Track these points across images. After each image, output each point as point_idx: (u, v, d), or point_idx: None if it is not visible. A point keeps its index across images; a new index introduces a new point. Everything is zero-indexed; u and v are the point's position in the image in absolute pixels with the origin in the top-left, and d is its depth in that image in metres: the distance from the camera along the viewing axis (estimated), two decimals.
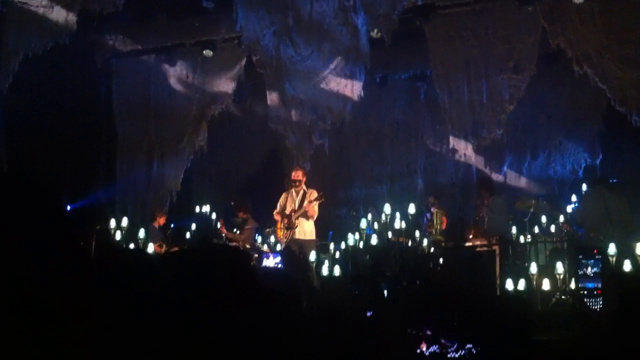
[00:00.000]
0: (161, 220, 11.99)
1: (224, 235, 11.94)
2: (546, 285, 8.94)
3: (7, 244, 1.17)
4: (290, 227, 10.05)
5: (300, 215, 10.05)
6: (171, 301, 1.38)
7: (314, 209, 10.09)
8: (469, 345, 3.02)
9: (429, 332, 3.12)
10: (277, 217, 10.37)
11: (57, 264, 1.23)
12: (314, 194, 10.23)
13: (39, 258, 1.19)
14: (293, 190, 10.36)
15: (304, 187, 10.32)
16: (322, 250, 11.24)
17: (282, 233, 10.23)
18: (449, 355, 2.99)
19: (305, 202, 10.08)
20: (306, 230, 10.08)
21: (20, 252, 1.17)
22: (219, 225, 12.01)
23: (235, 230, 12.05)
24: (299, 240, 9.98)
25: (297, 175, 10.38)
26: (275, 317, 1.45)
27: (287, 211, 10.19)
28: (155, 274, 2.24)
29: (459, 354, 3.01)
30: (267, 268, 9.34)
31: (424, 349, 3.02)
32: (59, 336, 1.16)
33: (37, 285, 1.17)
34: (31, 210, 1.25)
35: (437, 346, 3.05)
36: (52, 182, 11.72)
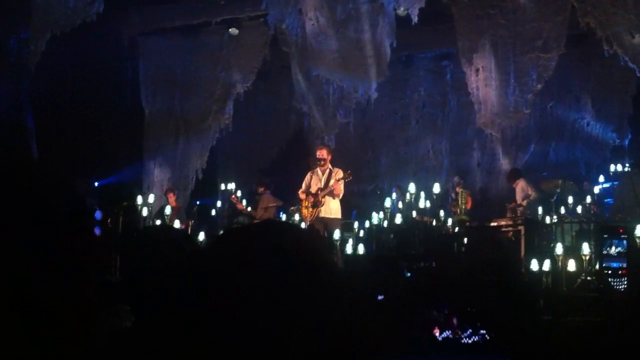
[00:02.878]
0: (172, 198, 11.90)
1: (238, 207, 11.96)
2: (572, 266, 8.84)
3: (8, 243, 1.17)
4: (317, 205, 10.04)
5: (327, 194, 10.04)
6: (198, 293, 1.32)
7: (340, 187, 10.05)
8: (482, 331, 3.01)
9: (441, 317, 3.09)
10: (302, 196, 10.34)
11: (58, 263, 1.22)
12: (339, 172, 10.20)
13: (40, 257, 1.19)
14: (318, 169, 10.32)
15: (330, 165, 10.29)
16: (346, 228, 11.24)
17: (307, 211, 10.22)
18: (462, 341, 2.97)
19: (332, 181, 10.05)
20: (332, 208, 10.06)
21: (21, 251, 1.17)
22: (233, 199, 11.98)
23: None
24: (324, 218, 9.98)
25: (322, 153, 10.32)
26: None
27: (313, 190, 10.17)
28: (182, 254, 2.24)
29: (472, 339, 3.00)
30: None
31: (437, 333, 3.00)
32: (59, 336, 1.16)
33: (37, 285, 1.17)
34: (35, 207, 1.24)
35: (449, 331, 3.03)
36: (76, 164, 11.89)
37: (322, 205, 10.01)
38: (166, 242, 2.45)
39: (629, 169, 11.19)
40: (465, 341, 3.12)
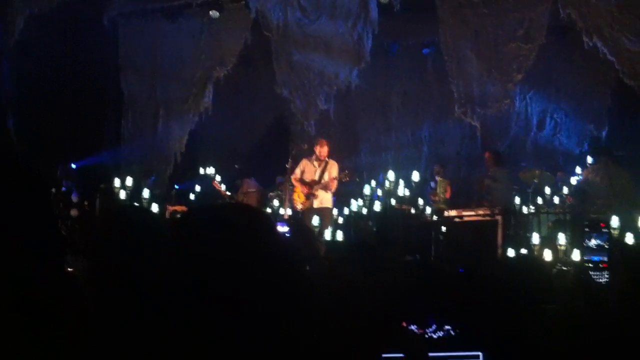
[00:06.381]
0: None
1: (221, 192, 11.96)
2: (548, 256, 8.97)
3: (6, 242, 1.14)
4: (310, 197, 10.20)
5: (320, 188, 10.19)
6: (175, 273, 1.29)
7: (336, 184, 10.29)
8: (447, 327, 3.04)
9: (410, 312, 3.12)
10: (296, 183, 10.46)
11: (56, 261, 1.20)
12: (335, 167, 10.37)
13: (38, 256, 1.17)
14: (314, 158, 10.45)
15: (326, 157, 10.47)
16: None
17: (298, 199, 10.36)
18: (426, 336, 3.00)
19: (326, 175, 10.21)
20: (323, 198, 10.26)
21: (18, 250, 1.15)
22: (215, 185, 11.99)
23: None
24: (315, 208, 10.14)
25: (323, 151, 10.44)
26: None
27: (307, 179, 10.34)
28: (160, 235, 2.19)
29: (437, 335, 3.02)
30: None
31: (404, 326, 3.03)
32: (59, 336, 1.15)
33: (37, 285, 1.15)
34: (26, 203, 1.21)
35: (416, 326, 3.05)
36: (54, 146, 11.77)
37: (315, 198, 10.17)
38: (139, 222, 2.42)
39: (593, 159, 11.23)
40: (431, 335, 3.14)
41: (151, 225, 2.32)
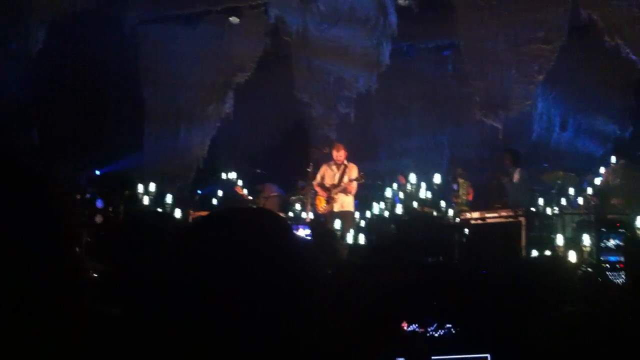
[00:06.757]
0: None
1: (243, 197, 12.04)
2: (572, 257, 8.87)
3: (6, 242, 1.15)
4: (330, 201, 10.34)
5: (340, 192, 10.29)
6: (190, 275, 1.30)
7: (354, 186, 10.41)
8: (448, 325, 3.02)
9: (411, 311, 3.10)
10: (317, 188, 10.59)
11: (56, 261, 1.21)
12: (354, 170, 10.47)
13: (38, 256, 1.18)
14: (333, 163, 10.56)
15: (345, 160, 10.55)
16: None
17: (320, 204, 10.48)
18: (428, 335, 2.99)
19: (346, 178, 10.27)
20: (344, 201, 10.35)
21: (18, 250, 1.16)
22: (238, 190, 12.07)
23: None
24: (336, 212, 10.22)
25: (340, 155, 10.55)
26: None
27: (327, 183, 10.44)
28: (168, 237, 2.20)
29: (438, 333, 3.01)
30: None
31: (405, 327, 3.02)
32: (59, 336, 1.15)
33: (37, 285, 1.16)
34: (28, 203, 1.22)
35: (416, 325, 3.04)
36: (77, 153, 11.87)
37: (335, 202, 10.27)
38: (153, 227, 2.44)
39: (619, 160, 11.12)
40: (432, 334, 3.13)
41: (160, 227, 2.34)
